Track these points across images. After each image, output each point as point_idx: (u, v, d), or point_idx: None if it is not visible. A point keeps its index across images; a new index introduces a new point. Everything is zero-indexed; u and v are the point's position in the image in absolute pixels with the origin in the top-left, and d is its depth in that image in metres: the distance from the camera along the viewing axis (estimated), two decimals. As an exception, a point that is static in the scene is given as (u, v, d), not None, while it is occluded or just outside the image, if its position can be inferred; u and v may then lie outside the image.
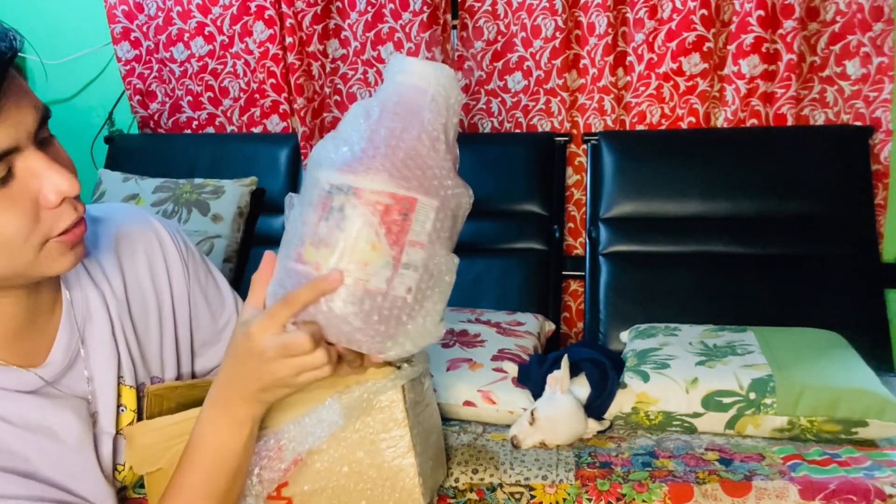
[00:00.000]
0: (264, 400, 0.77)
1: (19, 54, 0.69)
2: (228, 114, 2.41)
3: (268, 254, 0.78)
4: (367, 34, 2.23)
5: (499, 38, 2.16)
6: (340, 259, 0.71)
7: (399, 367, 0.88)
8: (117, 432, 0.86)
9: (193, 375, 0.99)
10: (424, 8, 2.15)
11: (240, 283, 2.06)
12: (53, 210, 0.70)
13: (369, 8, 2.20)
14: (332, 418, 0.84)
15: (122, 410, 0.87)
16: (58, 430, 0.78)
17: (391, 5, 2.18)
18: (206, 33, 2.34)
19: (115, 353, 0.86)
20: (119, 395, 0.86)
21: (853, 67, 1.92)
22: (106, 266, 0.88)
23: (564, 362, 1.27)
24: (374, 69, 2.25)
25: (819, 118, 1.98)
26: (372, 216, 0.71)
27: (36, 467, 0.76)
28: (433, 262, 0.74)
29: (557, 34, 2.09)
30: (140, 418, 0.89)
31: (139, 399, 0.89)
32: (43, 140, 0.71)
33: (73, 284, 0.84)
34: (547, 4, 2.07)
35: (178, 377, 0.95)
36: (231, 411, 0.78)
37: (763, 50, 1.93)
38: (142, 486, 0.90)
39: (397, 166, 0.71)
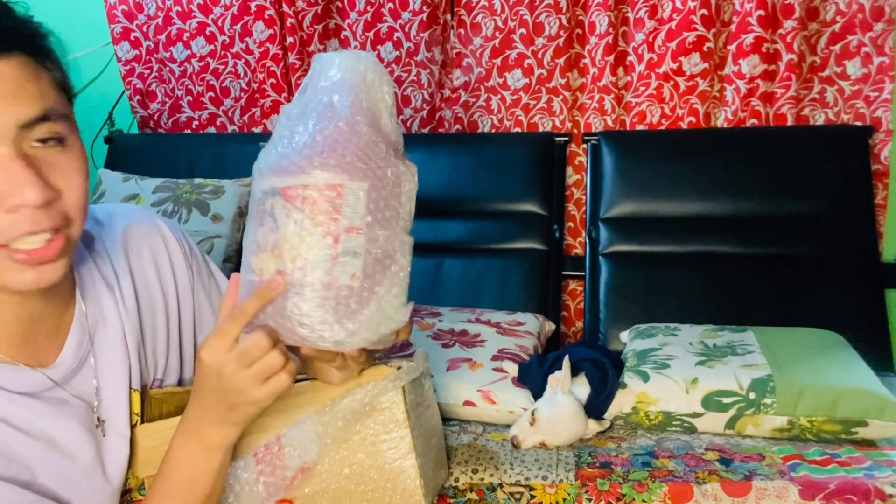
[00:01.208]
0: (234, 421, 0.76)
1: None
2: (229, 114, 2.41)
3: (234, 276, 0.77)
4: (367, 34, 2.23)
5: (496, 34, 2.15)
6: (279, 260, 0.71)
7: (399, 368, 0.88)
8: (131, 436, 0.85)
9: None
10: (424, 8, 2.15)
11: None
12: (11, 215, 0.67)
13: (368, 7, 2.20)
14: (334, 422, 0.84)
15: None
16: (58, 437, 0.77)
17: (390, 4, 2.18)
18: (206, 33, 2.34)
19: (127, 357, 0.85)
20: (131, 402, 0.85)
21: (853, 67, 1.92)
22: (117, 267, 0.87)
23: (566, 363, 1.27)
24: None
25: (819, 118, 1.97)
26: (299, 212, 0.70)
27: (34, 474, 0.75)
28: (376, 245, 0.72)
29: (561, 32, 2.08)
30: (143, 422, 0.88)
31: (142, 402, 0.88)
32: (52, 139, 0.69)
33: (87, 287, 0.83)
34: (551, 2, 2.07)
35: (180, 381, 0.94)
36: (201, 438, 0.77)
37: (763, 50, 1.93)
38: (144, 487, 0.90)
39: (315, 157, 0.71)
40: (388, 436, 0.87)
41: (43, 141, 0.69)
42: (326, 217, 0.70)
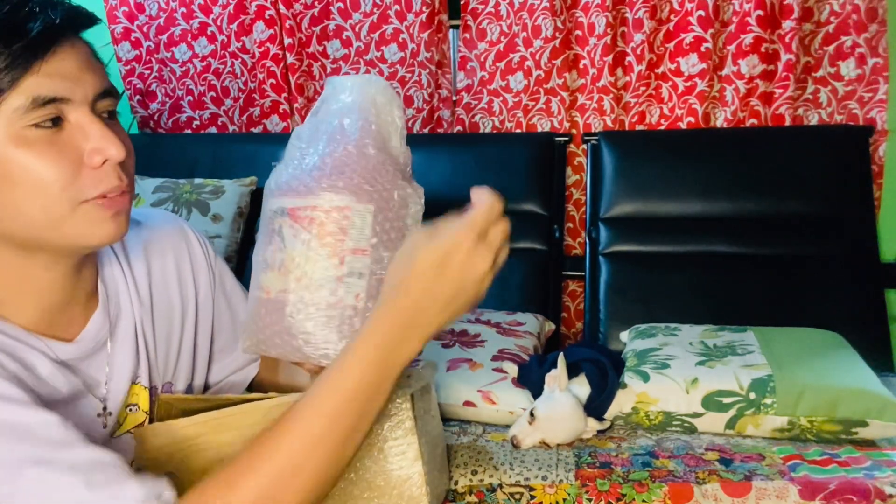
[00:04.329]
0: (440, 325, 0.69)
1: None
2: (229, 113, 2.41)
3: None
4: (372, 35, 2.23)
5: (501, 38, 2.16)
6: (285, 279, 0.73)
7: (408, 376, 0.88)
8: (122, 429, 0.85)
9: (206, 387, 0.99)
10: (423, 8, 2.16)
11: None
12: (96, 171, 0.70)
13: (375, 10, 2.21)
14: None
15: (134, 410, 0.86)
16: (78, 402, 0.78)
17: (396, 7, 2.19)
18: (207, 33, 2.34)
19: (135, 352, 0.86)
20: (129, 394, 0.86)
21: (847, 68, 1.93)
22: (134, 265, 0.88)
23: (560, 360, 1.27)
24: (377, 69, 2.26)
25: (812, 118, 1.98)
26: (306, 232, 0.72)
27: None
28: (381, 266, 0.74)
29: (557, 34, 2.09)
30: (151, 421, 0.88)
31: (152, 400, 0.88)
32: (107, 113, 0.73)
33: (108, 278, 0.85)
34: (547, 5, 2.07)
35: (189, 387, 0.95)
36: (390, 356, 0.68)
37: (762, 50, 1.93)
38: None
39: (323, 179, 0.73)
40: (396, 442, 0.87)
41: (109, 112, 0.74)
42: (333, 238, 0.72)
